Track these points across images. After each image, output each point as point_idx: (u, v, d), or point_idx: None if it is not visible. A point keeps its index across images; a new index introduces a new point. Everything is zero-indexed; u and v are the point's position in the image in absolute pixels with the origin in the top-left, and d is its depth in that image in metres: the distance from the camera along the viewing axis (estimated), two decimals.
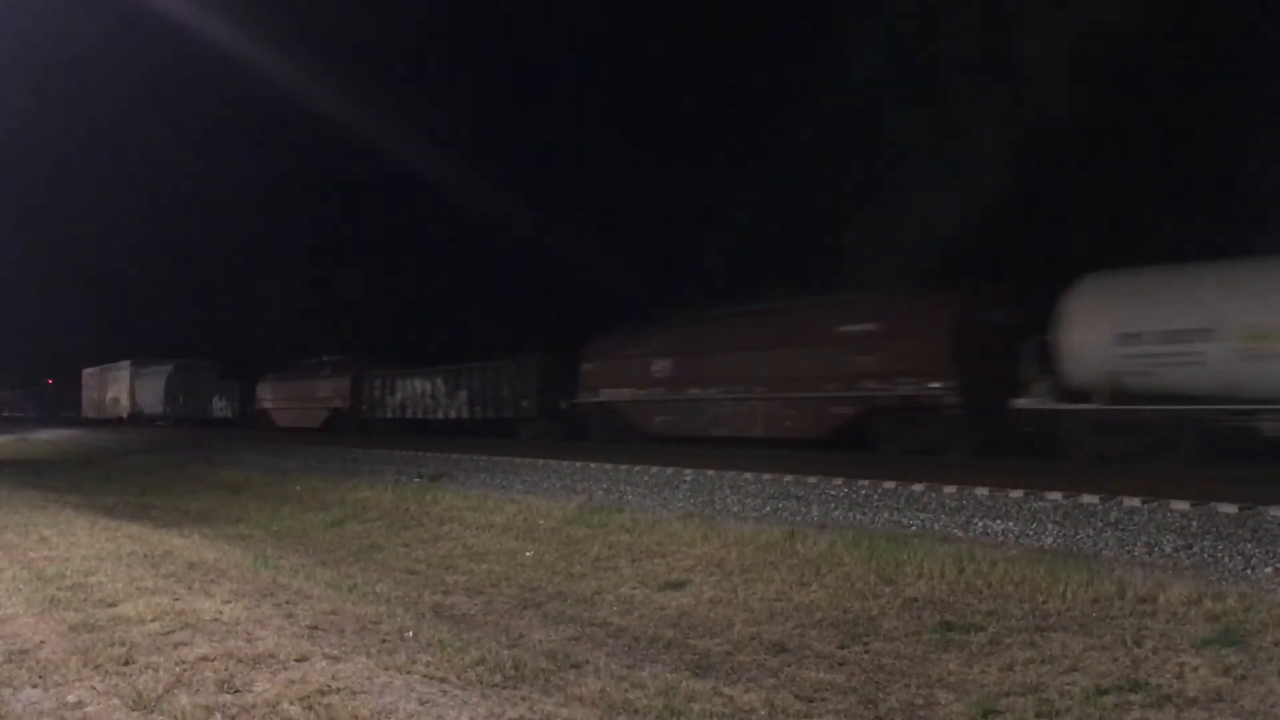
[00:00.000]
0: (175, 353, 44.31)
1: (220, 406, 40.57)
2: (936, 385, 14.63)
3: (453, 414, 27.04)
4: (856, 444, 15.82)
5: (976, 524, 9.11)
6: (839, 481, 11.33)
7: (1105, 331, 12.76)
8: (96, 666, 5.16)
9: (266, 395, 37.73)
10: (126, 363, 45.70)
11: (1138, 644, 5.80)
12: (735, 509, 11.07)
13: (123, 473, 23.35)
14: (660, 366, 19.69)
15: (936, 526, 9.27)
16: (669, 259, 31.54)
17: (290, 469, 20.03)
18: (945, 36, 22.72)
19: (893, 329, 15.56)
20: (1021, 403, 13.66)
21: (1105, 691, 5.10)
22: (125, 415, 44.98)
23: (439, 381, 27.76)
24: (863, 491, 10.81)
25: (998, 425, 14.29)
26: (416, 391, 28.69)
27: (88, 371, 51.62)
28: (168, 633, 5.85)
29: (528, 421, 24.34)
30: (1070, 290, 13.30)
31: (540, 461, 15.96)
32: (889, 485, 10.81)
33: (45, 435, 43.04)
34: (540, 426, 23.89)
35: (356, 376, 31.69)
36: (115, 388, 46.73)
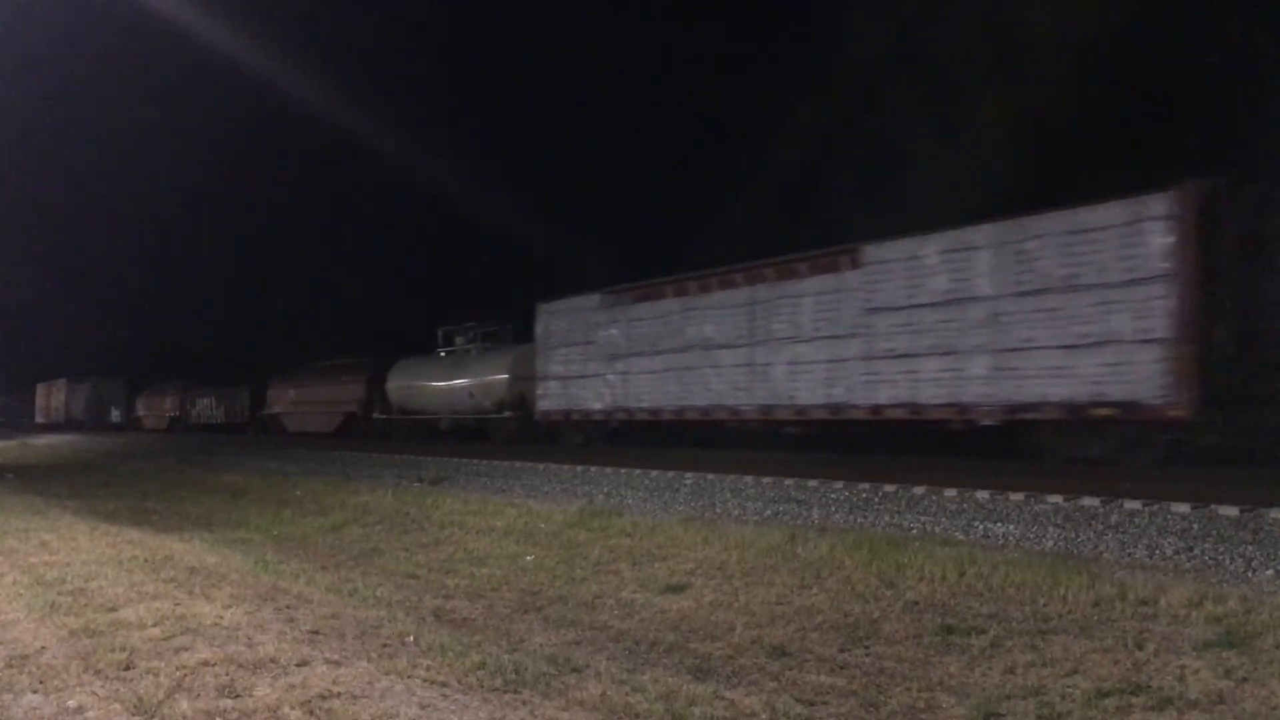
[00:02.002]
0: (106, 370, 57.69)
1: (115, 414, 54.56)
2: (358, 407, 30.33)
3: (216, 420, 41.82)
4: (350, 433, 30.54)
5: (977, 527, 9.10)
6: (840, 485, 11.32)
7: (400, 382, 27.88)
8: (97, 672, 5.15)
9: (139, 407, 51.95)
10: (63, 380, 57.54)
11: (1139, 647, 5.80)
12: (736, 512, 11.06)
13: (123, 477, 23.34)
14: (291, 394, 35.37)
15: (937, 529, 9.27)
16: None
17: (290, 473, 20.03)
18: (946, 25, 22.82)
19: (351, 380, 31.20)
20: (375, 414, 28.99)
21: (1106, 694, 5.10)
22: (62, 420, 55.68)
23: (212, 399, 42.80)
24: (863, 494, 10.80)
25: (377, 425, 28.81)
26: (203, 406, 43.78)
27: (40, 385, 62.85)
28: (168, 638, 5.84)
29: (246, 425, 38.60)
30: (393, 364, 28.34)
31: (540, 466, 15.96)
32: (889, 489, 10.80)
33: (45, 440, 43.12)
34: (252, 427, 37.90)
35: (181, 396, 46.00)
36: (55, 398, 58.49)
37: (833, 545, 8.77)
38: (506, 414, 23.19)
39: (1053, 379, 12.47)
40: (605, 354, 19.54)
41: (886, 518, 9.91)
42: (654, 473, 13.61)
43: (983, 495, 10.05)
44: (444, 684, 5.01)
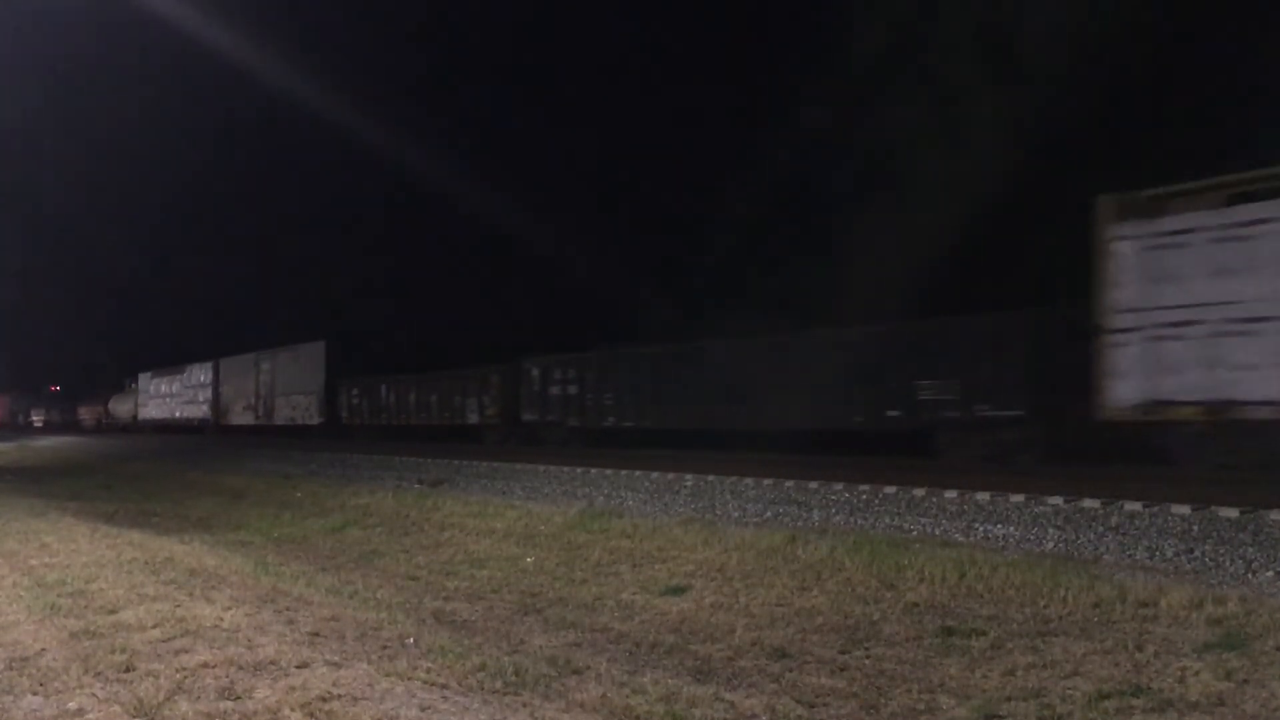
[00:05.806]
0: (27, 385, 78.62)
1: (19, 418, 74.80)
2: (102, 416, 58.47)
3: (56, 422, 63.62)
4: (99, 431, 55.97)
5: (977, 528, 9.11)
6: (840, 486, 11.32)
7: (113, 405, 57.10)
8: (97, 674, 5.15)
9: (32, 414, 74.02)
10: None
11: (1139, 648, 5.80)
12: (736, 514, 11.06)
13: (123, 480, 23.35)
14: (84, 409, 62.15)
15: (937, 531, 9.27)
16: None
17: (291, 475, 20.04)
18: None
19: (100, 402, 58.86)
20: (105, 421, 57.68)
21: (1107, 696, 5.09)
22: None
23: (58, 410, 65.68)
24: (864, 496, 10.81)
25: (107, 425, 56.85)
26: (54, 414, 66.64)
27: None
28: (168, 639, 5.84)
29: (71, 424, 61.14)
30: (113, 394, 57.41)
31: (541, 467, 15.97)
32: (890, 490, 10.81)
33: (46, 442, 43.19)
34: (74, 427, 59.96)
35: (46, 407, 70.26)
36: None
37: (833, 547, 8.77)
38: (134, 421, 51.18)
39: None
40: (150, 396, 49.61)
41: (887, 519, 9.91)
42: (654, 474, 13.62)
43: (983, 497, 10.05)
44: (444, 686, 5.01)
